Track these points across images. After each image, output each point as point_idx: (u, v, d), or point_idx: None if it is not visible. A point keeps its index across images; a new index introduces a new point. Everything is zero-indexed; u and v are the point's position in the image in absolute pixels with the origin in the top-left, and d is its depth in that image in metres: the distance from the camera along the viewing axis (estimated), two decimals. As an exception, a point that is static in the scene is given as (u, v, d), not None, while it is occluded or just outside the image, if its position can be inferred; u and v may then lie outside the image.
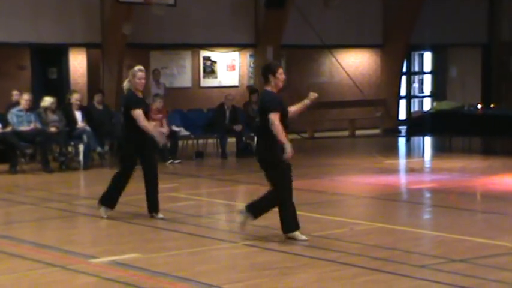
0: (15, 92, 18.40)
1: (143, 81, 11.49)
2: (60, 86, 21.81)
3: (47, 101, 17.87)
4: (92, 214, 12.21)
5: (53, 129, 17.45)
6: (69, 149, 18.02)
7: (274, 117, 9.71)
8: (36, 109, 17.73)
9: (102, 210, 11.61)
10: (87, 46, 22.33)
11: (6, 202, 13.67)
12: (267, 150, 9.84)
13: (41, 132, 17.19)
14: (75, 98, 18.16)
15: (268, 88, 9.99)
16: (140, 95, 11.52)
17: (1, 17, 20.53)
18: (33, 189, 14.92)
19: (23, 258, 9.29)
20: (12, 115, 17.26)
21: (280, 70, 10.04)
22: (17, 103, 17.70)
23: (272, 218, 10.02)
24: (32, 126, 17.16)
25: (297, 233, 9.93)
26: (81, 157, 17.65)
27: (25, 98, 17.43)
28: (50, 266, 8.92)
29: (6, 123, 17.19)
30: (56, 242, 10.20)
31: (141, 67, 11.59)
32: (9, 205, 13.42)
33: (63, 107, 18.19)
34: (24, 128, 17.13)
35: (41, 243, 10.13)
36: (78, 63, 22.51)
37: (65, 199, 13.71)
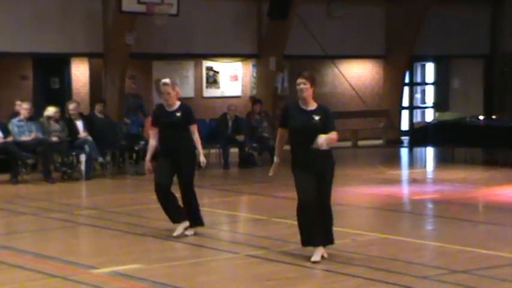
0: (18, 102, 18.30)
1: (165, 95, 11.01)
2: (62, 96, 21.78)
3: (50, 110, 17.83)
4: (93, 224, 12.18)
5: (54, 138, 17.41)
6: (71, 158, 17.99)
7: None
8: (37, 119, 17.71)
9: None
10: (90, 56, 22.30)
11: (7, 212, 13.63)
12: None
13: (43, 142, 17.15)
14: (70, 108, 18.12)
15: None
16: (168, 108, 11.04)
17: (3, 27, 20.50)
18: (35, 199, 14.89)
19: (23, 268, 9.25)
20: (13, 125, 17.24)
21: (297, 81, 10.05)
22: (19, 113, 17.65)
23: (273, 229, 9.98)
24: (33, 136, 17.14)
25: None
26: (82, 167, 17.62)
27: (24, 108, 17.40)
28: (50, 276, 8.89)
29: (7, 133, 17.16)
30: (57, 252, 10.17)
31: (164, 80, 11.09)
32: (10, 215, 13.39)
33: (65, 117, 18.15)
34: (25, 137, 17.11)
35: (41, 253, 10.09)
36: (80, 73, 22.50)
37: (67, 209, 13.67)
